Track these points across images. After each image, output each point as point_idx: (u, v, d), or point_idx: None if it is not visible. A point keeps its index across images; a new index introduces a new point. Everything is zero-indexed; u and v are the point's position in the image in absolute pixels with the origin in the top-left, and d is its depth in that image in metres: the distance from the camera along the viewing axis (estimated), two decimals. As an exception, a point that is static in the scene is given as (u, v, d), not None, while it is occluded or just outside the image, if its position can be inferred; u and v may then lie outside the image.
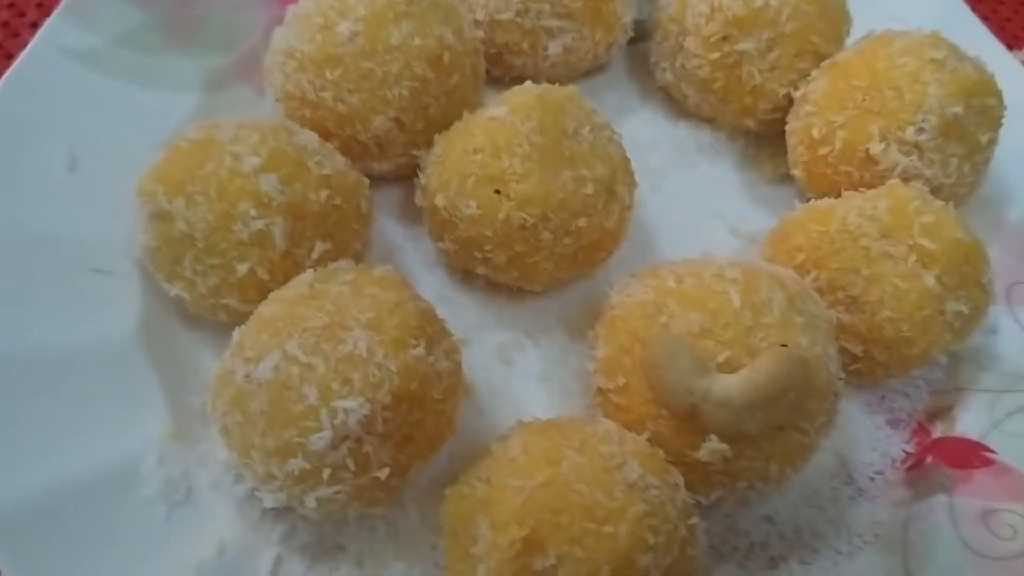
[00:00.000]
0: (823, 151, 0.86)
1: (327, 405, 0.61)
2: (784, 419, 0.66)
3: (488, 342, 0.85)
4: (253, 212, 0.71)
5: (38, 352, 0.73)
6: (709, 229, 0.94)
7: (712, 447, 0.66)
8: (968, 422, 0.81)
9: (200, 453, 0.74)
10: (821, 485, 0.79)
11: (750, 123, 0.95)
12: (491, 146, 0.76)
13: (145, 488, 0.71)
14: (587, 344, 0.78)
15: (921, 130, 0.81)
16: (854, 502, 0.79)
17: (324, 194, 0.74)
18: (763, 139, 0.99)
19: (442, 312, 0.74)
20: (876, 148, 0.82)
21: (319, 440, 0.61)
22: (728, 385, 0.65)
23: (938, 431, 0.82)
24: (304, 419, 0.62)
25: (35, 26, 1.00)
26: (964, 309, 0.75)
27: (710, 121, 1.01)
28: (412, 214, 0.88)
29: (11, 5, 1.10)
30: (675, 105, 1.02)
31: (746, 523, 0.77)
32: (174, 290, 0.75)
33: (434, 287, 0.87)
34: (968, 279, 0.76)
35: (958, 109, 0.80)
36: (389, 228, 0.90)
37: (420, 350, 0.65)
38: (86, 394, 0.73)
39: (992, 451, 0.78)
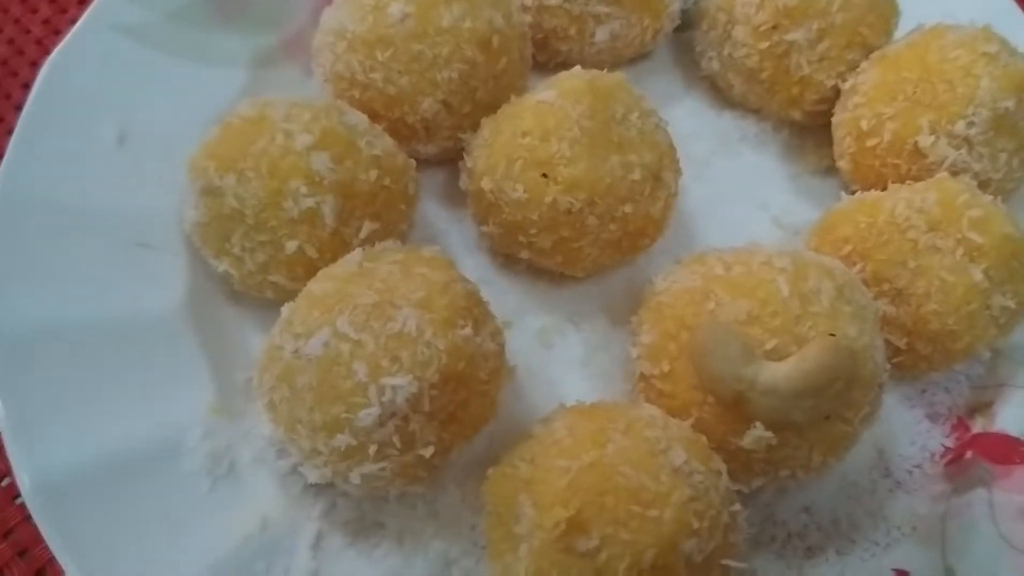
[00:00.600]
0: (871, 143, 0.85)
1: (376, 382, 0.62)
2: (830, 408, 0.66)
3: (529, 326, 0.85)
4: (304, 190, 0.72)
5: (85, 325, 0.75)
6: (752, 219, 0.93)
7: (757, 435, 0.66)
8: (1008, 418, 0.80)
9: (243, 428, 0.75)
10: (859, 477, 0.79)
11: (796, 114, 0.94)
12: (540, 129, 0.76)
13: (189, 461, 0.72)
14: (629, 330, 0.78)
15: (971, 124, 0.80)
16: (892, 495, 0.79)
17: (373, 174, 0.75)
18: (807, 130, 0.98)
19: (484, 295, 0.75)
20: (925, 141, 0.81)
21: (367, 416, 0.62)
22: (775, 373, 0.65)
23: (978, 426, 0.81)
24: (352, 395, 0.62)
25: (83, 2, 1.01)
26: (1011, 304, 0.75)
27: (755, 111, 1.00)
28: (455, 197, 0.88)
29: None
30: (720, 94, 1.02)
31: (784, 513, 0.77)
32: (222, 266, 0.76)
33: (476, 270, 0.87)
34: (1016, 274, 0.75)
35: (1009, 104, 0.80)
36: (432, 211, 0.91)
37: (468, 331, 0.66)
38: (132, 367, 0.74)
39: (1033, 447, 0.78)
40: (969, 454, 0.80)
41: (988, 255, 0.74)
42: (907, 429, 0.82)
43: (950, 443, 0.82)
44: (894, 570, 0.74)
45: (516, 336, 0.84)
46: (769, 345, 0.66)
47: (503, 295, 0.86)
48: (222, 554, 0.68)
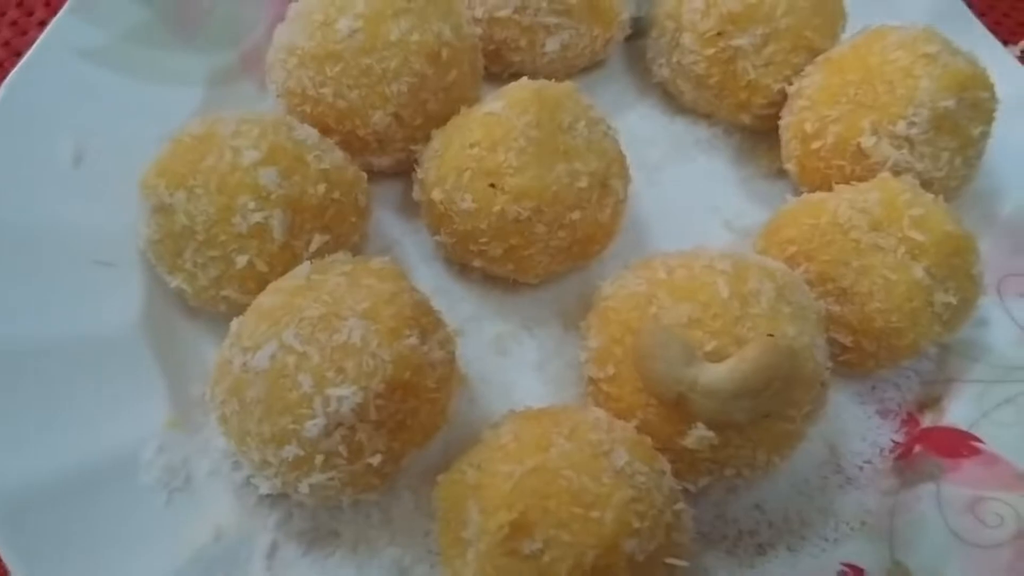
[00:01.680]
0: (815, 145, 0.87)
1: (321, 393, 0.63)
2: (771, 407, 0.67)
3: (485, 333, 0.86)
4: (252, 205, 0.73)
5: (42, 341, 0.75)
6: (704, 223, 0.95)
7: (699, 435, 0.67)
8: (957, 412, 0.82)
9: (200, 441, 0.76)
10: (810, 474, 0.80)
11: (745, 118, 0.96)
12: (487, 140, 0.78)
13: (145, 475, 0.72)
14: (580, 335, 0.79)
15: (912, 124, 0.81)
16: (842, 490, 0.80)
17: (322, 187, 0.76)
18: (759, 134, 1.00)
19: (440, 304, 0.76)
20: (867, 142, 0.83)
21: (313, 427, 0.63)
22: (716, 374, 0.66)
23: (927, 421, 0.83)
24: (298, 407, 0.63)
25: (43, 24, 1.01)
26: (953, 300, 0.76)
27: (707, 116, 1.02)
28: (411, 208, 0.89)
29: (20, 4, 1.12)
30: (672, 101, 1.03)
31: (735, 511, 0.78)
32: (175, 282, 0.77)
33: (432, 279, 0.88)
34: (957, 271, 0.77)
35: (949, 103, 0.81)
36: (388, 222, 0.92)
37: (414, 340, 0.67)
38: (89, 383, 0.75)
39: (980, 440, 0.79)
40: (918, 449, 0.81)
41: (929, 253, 0.76)
42: (858, 425, 0.83)
43: (900, 438, 0.83)
44: (844, 564, 0.75)
45: (471, 343, 0.85)
46: (709, 347, 0.67)
47: (459, 303, 0.87)
48: (177, 566, 0.69)
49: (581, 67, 1.02)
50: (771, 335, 0.67)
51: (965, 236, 0.78)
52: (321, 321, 0.65)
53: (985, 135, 0.86)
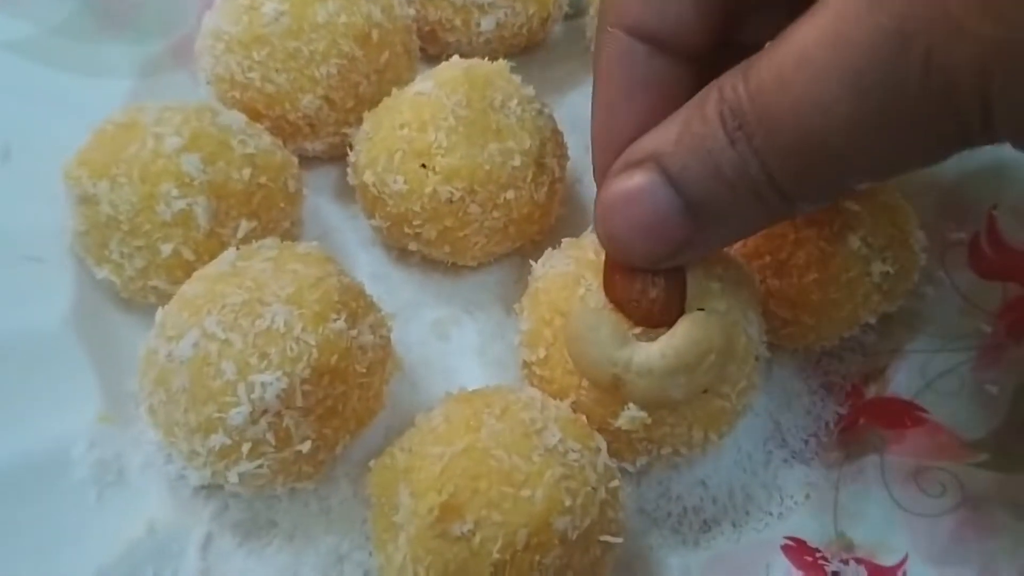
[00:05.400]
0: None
1: (245, 380, 0.62)
2: (706, 383, 0.66)
3: (425, 318, 0.85)
4: (175, 192, 0.71)
5: (-30, 340, 0.74)
6: (650, 200, 0.93)
7: (631, 415, 0.66)
8: (901, 383, 0.81)
9: (133, 434, 0.74)
10: (755, 449, 0.80)
11: (686, 94, 0.95)
12: (417, 121, 0.77)
13: (76, 471, 0.71)
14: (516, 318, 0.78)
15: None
16: (787, 464, 0.79)
17: (247, 173, 0.74)
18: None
19: (379, 289, 0.75)
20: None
21: (237, 415, 0.62)
22: (649, 353, 0.65)
23: (872, 393, 0.82)
24: (223, 395, 0.62)
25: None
26: (891, 270, 0.75)
27: (649, 94, 1.00)
28: (348, 194, 0.88)
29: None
30: (614, 79, 1.02)
31: (679, 488, 0.77)
32: (102, 273, 0.76)
33: (371, 265, 0.87)
34: (894, 240, 0.76)
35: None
36: (326, 208, 0.91)
37: (341, 324, 0.66)
38: (17, 380, 0.74)
39: (924, 410, 0.79)
40: (862, 420, 0.80)
41: (865, 222, 0.75)
42: (802, 399, 0.83)
43: (845, 411, 0.82)
44: (787, 538, 0.74)
45: (412, 328, 0.84)
46: (639, 328, 0.66)
47: (398, 288, 0.86)
48: (108, 561, 0.68)
49: (520, 47, 1.01)
50: (702, 309, 0.66)
51: (901, 205, 0.78)
52: (244, 307, 0.64)
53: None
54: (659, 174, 0.56)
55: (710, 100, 0.53)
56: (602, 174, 0.63)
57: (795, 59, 0.48)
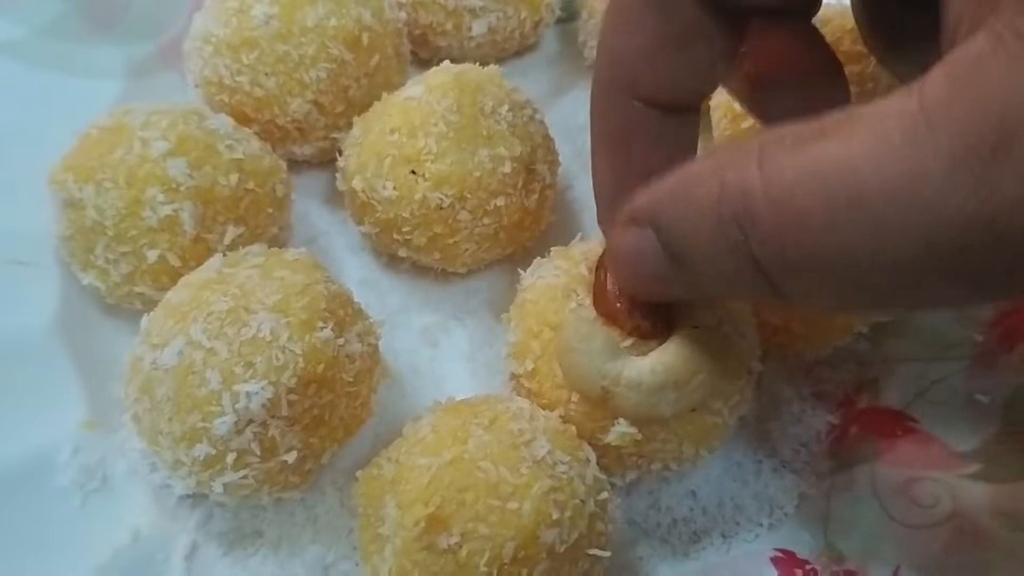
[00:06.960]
0: (746, 125, 0.85)
1: (229, 389, 0.61)
2: (696, 401, 0.66)
3: (414, 325, 0.84)
4: (161, 197, 0.71)
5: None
6: (640, 207, 0.93)
7: (621, 431, 0.65)
8: (893, 393, 0.81)
9: (118, 441, 0.73)
10: (744, 458, 0.79)
11: (678, 99, 0.94)
12: (407, 126, 0.76)
13: (60, 477, 0.70)
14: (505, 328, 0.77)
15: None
16: (777, 474, 0.78)
17: (235, 178, 0.74)
18: (695, 115, 0.98)
19: (368, 296, 0.74)
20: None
21: (222, 425, 0.61)
22: (639, 368, 0.64)
23: (863, 402, 0.81)
24: (207, 404, 0.61)
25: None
26: (884, 279, 0.75)
27: (641, 99, 1.00)
28: (338, 199, 0.87)
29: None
30: (606, 84, 1.01)
31: (669, 499, 0.76)
32: (88, 279, 0.75)
33: (360, 271, 0.87)
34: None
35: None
36: (315, 213, 0.90)
37: (327, 332, 0.65)
38: (0, 386, 0.73)
39: (915, 420, 0.78)
40: (854, 430, 0.80)
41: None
42: (793, 409, 0.82)
43: (836, 420, 0.81)
44: (776, 550, 0.74)
45: (400, 335, 0.83)
46: (629, 341, 0.65)
47: (387, 295, 0.85)
48: (92, 568, 0.67)
49: (512, 51, 1.00)
50: (695, 327, 0.65)
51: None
52: (230, 315, 0.63)
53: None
54: (653, 232, 0.51)
55: (713, 180, 0.45)
56: (604, 222, 0.63)
57: (842, 186, 0.39)
